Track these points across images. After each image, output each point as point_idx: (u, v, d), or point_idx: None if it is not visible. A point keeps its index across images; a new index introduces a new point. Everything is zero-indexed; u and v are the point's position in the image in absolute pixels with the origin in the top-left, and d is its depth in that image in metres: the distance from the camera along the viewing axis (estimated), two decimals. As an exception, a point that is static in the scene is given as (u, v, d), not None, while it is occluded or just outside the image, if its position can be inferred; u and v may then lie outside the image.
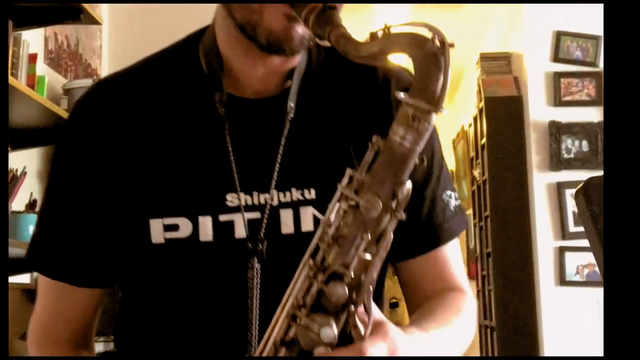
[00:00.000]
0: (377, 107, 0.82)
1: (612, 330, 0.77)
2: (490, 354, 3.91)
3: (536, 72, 3.76)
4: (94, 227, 1.04)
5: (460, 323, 1.05)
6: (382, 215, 0.81)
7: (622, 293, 0.78)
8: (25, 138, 2.84)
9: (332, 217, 0.83)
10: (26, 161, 2.90)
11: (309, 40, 0.96)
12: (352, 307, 0.82)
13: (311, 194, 1.02)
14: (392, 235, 0.82)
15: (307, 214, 1.02)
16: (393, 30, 0.82)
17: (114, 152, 1.03)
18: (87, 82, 2.82)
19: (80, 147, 1.05)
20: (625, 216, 0.78)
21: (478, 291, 4.27)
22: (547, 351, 3.75)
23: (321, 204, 0.99)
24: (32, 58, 2.68)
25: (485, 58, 4.08)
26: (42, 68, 2.96)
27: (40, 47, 3.01)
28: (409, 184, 0.82)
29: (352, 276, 0.82)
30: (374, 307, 0.84)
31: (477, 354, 4.37)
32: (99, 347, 2.99)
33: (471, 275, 4.50)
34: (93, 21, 3.00)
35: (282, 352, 0.83)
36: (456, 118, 5.43)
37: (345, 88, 1.06)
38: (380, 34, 0.83)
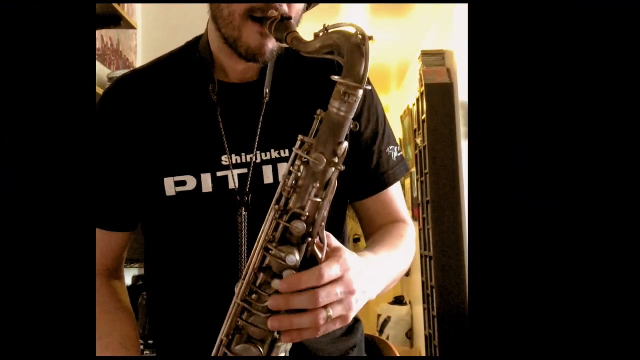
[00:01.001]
0: (327, 87, 0.82)
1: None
2: (429, 278, 3.95)
3: (463, 66, 3.75)
4: (122, 186, 1.04)
5: (403, 245, 1.05)
6: (327, 168, 0.81)
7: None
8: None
9: (290, 174, 0.83)
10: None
11: (277, 50, 0.96)
12: (310, 239, 0.82)
13: (286, 153, 1.02)
14: (336, 182, 0.82)
15: (283, 168, 1.01)
16: (330, 30, 0.82)
17: (136, 127, 1.03)
18: (125, 72, 2.81)
19: (110, 123, 1.04)
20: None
21: (420, 230, 4.28)
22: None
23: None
24: (88, 54, 2.70)
25: (425, 54, 4.04)
26: (94, 62, 2.96)
27: (93, 45, 3.01)
28: (346, 144, 0.81)
29: (308, 215, 0.82)
30: (332, 238, 0.84)
31: (419, 278, 4.40)
32: (134, 272, 2.96)
33: (415, 217, 4.51)
34: (130, 26, 3.05)
35: (260, 277, 0.83)
36: (404, 99, 5.41)
37: (304, 74, 1.06)
38: (321, 33, 0.83)
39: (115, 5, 2.83)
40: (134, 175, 1.02)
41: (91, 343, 0.76)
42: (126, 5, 3.21)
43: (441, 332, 3.64)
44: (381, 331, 5.06)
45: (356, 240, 5.13)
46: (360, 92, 0.79)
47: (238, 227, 0.99)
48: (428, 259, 3.94)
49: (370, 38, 0.79)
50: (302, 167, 0.81)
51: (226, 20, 0.94)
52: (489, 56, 0.79)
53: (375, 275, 0.91)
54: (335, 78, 0.79)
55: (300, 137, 0.82)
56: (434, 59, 4.01)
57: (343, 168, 0.81)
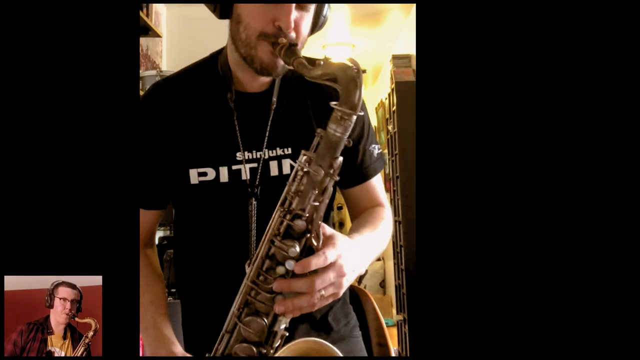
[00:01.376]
0: (324, 100, 0.79)
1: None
2: (398, 239, 3.96)
3: (426, 66, 3.71)
4: (157, 174, 1.02)
5: (383, 224, 1.05)
6: (324, 178, 0.79)
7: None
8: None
9: (294, 181, 0.82)
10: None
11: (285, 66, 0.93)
12: (308, 234, 0.81)
13: (289, 150, 1.01)
14: (332, 189, 0.80)
15: (286, 163, 1.00)
16: (329, 61, 0.79)
17: (167, 126, 1.01)
18: (152, 72, 2.80)
19: (148, 123, 1.02)
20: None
21: (391, 199, 4.29)
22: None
23: (294, 157, 0.99)
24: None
25: (395, 57, 3.99)
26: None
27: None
28: (341, 158, 0.79)
29: (307, 215, 0.80)
30: (326, 227, 0.82)
31: (389, 242, 4.39)
32: (160, 233, 2.95)
33: (387, 189, 4.51)
34: (156, 35, 3.05)
35: (266, 263, 0.81)
36: (378, 94, 5.36)
37: (305, 88, 1.03)
38: (322, 62, 0.80)
39: (144, 17, 2.84)
40: (166, 166, 1.01)
41: (136, 297, 0.81)
42: (153, 17, 3.18)
43: (407, 282, 3.66)
44: (359, 282, 5.11)
45: (339, 208, 5.13)
46: (354, 117, 0.77)
47: (249, 213, 0.98)
48: (398, 223, 3.95)
49: (364, 71, 0.76)
50: (303, 177, 0.79)
51: (244, 42, 0.92)
52: (434, 57, 0.78)
53: (362, 253, 0.90)
54: (333, 104, 0.77)
55: (303, 151, 0.80)
56: (402, 61, 3.97)
57: (338, 178, 0.79)
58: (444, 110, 0.77)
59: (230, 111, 1.00)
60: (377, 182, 1.11)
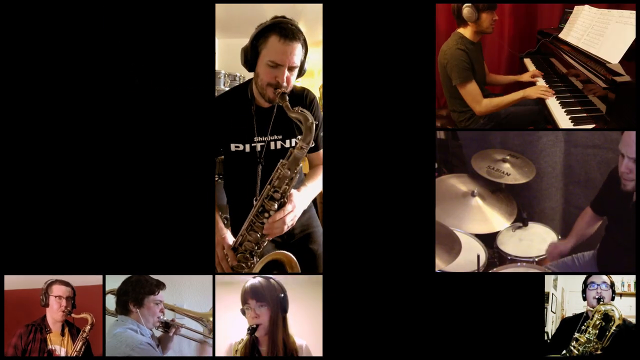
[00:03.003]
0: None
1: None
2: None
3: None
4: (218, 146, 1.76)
5: (319, 176, 1.77)
6: (291, 174, 1.64)
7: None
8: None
9: (276, 173, 1.66)
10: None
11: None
12: (283, 199, 1.65)
13: (279, 137, 1.72)
14: (296, 177, 1.64)
15: (278, 144, 1.72)
16: (301, 111, 1.58)
17: (224, 117, 1.73)
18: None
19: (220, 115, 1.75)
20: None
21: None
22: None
23: (283, 140, 1.74)
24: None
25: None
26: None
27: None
28: (302, 165, 1.64)
29: (281, 190, 1.65)
30: (291, 192, 1.65)
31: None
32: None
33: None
34: None
35: (260, 210, 1.65)
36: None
37: (293, 103, 1.67)
38: (299, 110, 1.58)
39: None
40: (219, 140, 1.73)
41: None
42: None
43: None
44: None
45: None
46: (308, 147, 1.60)
47: (257, 175, 1.71)
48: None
49: (318, 125, 1.58)
50: (281, 172, 1.63)
51: (259, 86, 1.67)
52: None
53: (306, 198, 1.74)
54: (297, 139, 1.60)
55: (281, 160, 1.64)
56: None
57: (298, 175, 1.64)
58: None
59: (252, 115, 1.73)
60: (320, 153, 1.82)
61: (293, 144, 1.67)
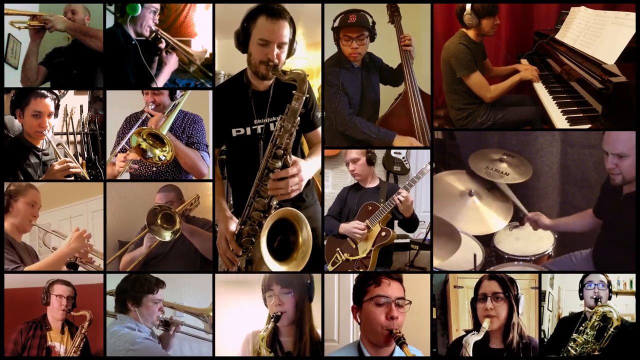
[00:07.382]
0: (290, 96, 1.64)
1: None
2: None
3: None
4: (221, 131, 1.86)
5: (319, 153, 1.86)
6: (291, 128, 1.64)
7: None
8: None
9: (276, 129, 1.65)
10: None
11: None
12: (285, 156, 1.64)
13: (277, 118, 1.73)
14: (295, 133, 1.65)
15: (277, 125, 1.69)
16: (293, 71, 1.62)
17: (224, 104, 1.84)
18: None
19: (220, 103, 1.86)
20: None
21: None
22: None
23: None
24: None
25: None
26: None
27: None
28: (299, 118, 1.63)
29: (283, 146, 1.64)
30: (295, 157, 1.67)
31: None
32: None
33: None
34: None
35: (265, 171, 1.65)
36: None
37: (285, 87, 1.74)
38: (289, 72, 1.63)
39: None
40: (224, 125, 1.83)
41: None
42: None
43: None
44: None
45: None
46: (304, 98, 1.60)
47: (259, 149, 1.78)
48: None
49: (307, 75, 1.59)
50: (281, 127, 1.63)
51: (252, 65, 1.75)
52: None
53: (310, 168, 1.74)
54: (294, 92, 1.60)
55: (280, 115, 1.65)
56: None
57: (297, 127, 1.64)
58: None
59: (249, 99, 1.81)
60: (318, 131, 1.92)
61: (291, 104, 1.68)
